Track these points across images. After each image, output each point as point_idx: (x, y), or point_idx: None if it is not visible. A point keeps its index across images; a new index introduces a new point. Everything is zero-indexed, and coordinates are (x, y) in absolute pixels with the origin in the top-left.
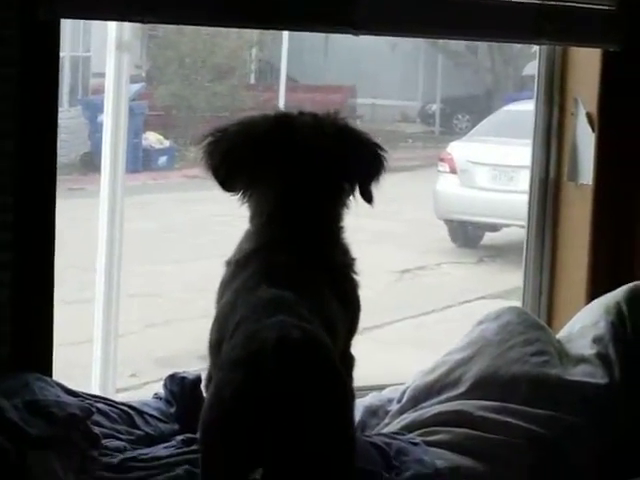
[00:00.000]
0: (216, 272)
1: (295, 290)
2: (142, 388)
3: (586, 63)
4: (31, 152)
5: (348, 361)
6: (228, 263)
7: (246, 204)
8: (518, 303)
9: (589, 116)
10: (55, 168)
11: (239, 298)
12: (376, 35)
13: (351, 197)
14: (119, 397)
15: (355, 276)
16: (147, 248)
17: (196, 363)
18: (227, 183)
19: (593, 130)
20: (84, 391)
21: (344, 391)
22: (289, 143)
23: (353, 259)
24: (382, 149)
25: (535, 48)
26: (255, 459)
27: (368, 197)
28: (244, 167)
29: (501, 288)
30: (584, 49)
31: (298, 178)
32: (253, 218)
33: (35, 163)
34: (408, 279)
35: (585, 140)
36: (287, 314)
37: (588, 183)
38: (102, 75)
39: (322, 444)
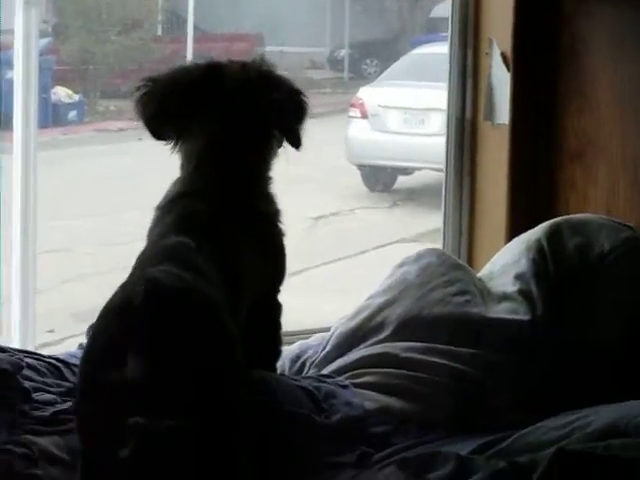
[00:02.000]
0: (128, 224)
1: (204, 238)
2: (61, 344)
3: (499, 3)
4: None
5: (275, 308)
6: (156, 209)
7: (177, 153)
8: (434, 245)
9: (504, 56)
10: None
11: (150, 246)
12: None
13: (279, 144)
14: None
15: (280, 225)
16: (59, 203)
17: None
18: (159, 132)
19: (508, 70)
20: (10, 346)
21: (217, 341)
22: (218, 90)
23: (278, 209)
24: (304, 95)
25: None
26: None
27: (296, 142)
28: (175, 115)
29: (416, 231)
30: None
31: (227, 124)
32: (182, 165)
33: None
34: (323, 225)
35: (500, 80)
36: (172, 262)
37: (505, 122)
38: (7, 32)
39: (196, 389)
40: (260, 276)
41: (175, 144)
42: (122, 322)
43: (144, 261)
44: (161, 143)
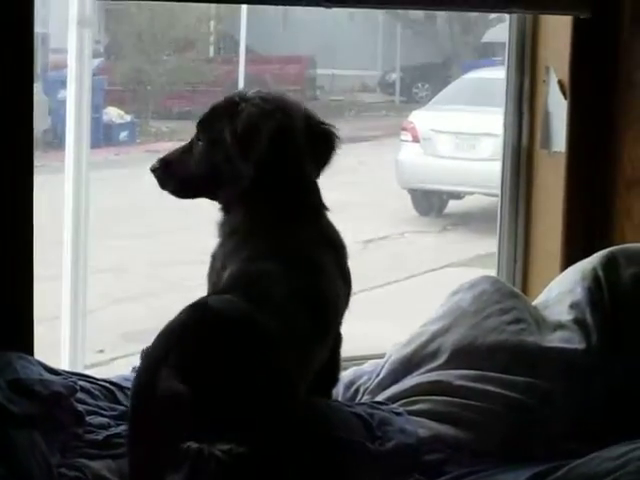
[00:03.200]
0: (179, 246)
1: (293, 265)
2: (110, 364)
3: (557, 31)
4: (7, 127)
5: (338, 338)
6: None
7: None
8: (484, 271)
9: (561, 84)
10: (32, 144)
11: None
12: (346, 7)
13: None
14: (89, 373)
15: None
16: (110, 223)
17: None
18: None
19: (565, 98)
20: (65, 369)
21: (264, 370)
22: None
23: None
24: (336, 134)
25: (494, 15)
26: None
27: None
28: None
29: (466, 256)
30: (554, 17)
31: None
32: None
33: (11, 139)
34: (372, 249)
35: (557, 108)
36: (241, 292)
37: (561, 151)
38: (61, 51)
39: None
40: (342, 303)
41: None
42: (169, 345)
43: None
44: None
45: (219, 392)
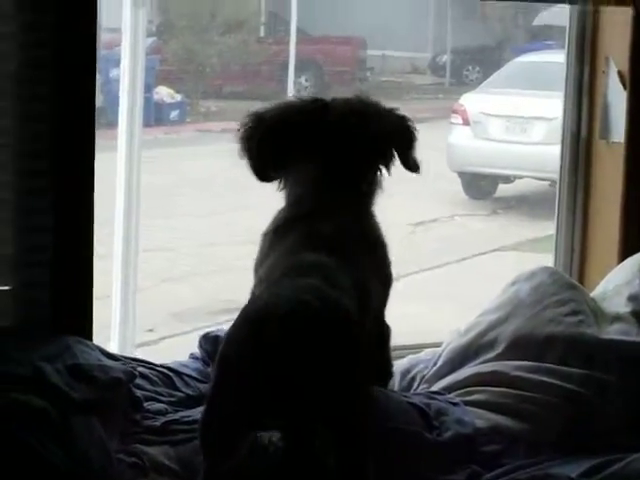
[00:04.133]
0: (229, 226)
1: (337, 258)
2: (159, 343)
3: (617, 21)
4: (70, 99)
5: (385, 330)
6: (265, 234)
7: (282, 190)
8: (533, 255)
9: (620, 74)
10: (93, 124)
11: (279, 263)
12: None
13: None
14: (138, 352)
15: (389, 255)
16: (161, 202)
17: (211, 318)
18: (263, 173)
19: (625, 88)
20: (123, 354)
21: (352, 356)
22: (324, 125)
23: (386, 242)
24: (408, 119)
25: None
26: (259, 416)
27: (412, 166)
28: (280, 152)
29: (515, 240)
30: (616, 8)
31: (334, 157)
32: (289, 195)
33: (73, 118)
34: (422, 232)
35: (616, 98)
36: (320, 276)
37: (620, 141)
38: (112, 30)
39: (327, 405)
40: (378, 297)
41: (280, 182)
42: (259, 333)
43: (288, 272)
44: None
45: (309, 381)
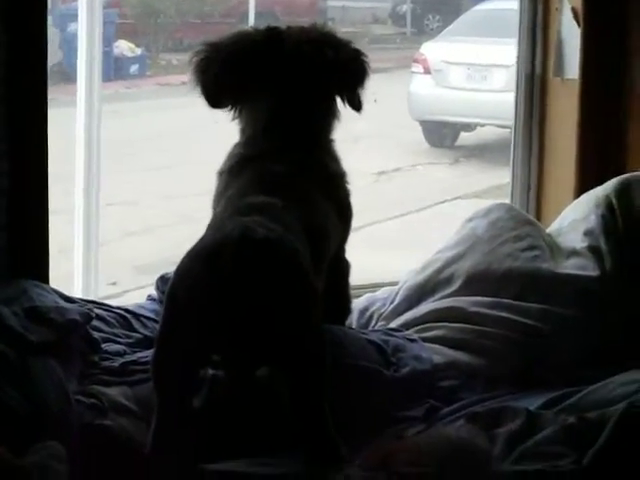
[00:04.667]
0: (190, 178)
1: (286, 198)
2: (122, 296)
3: None
4: (21, 61)
5: (343, 266)
6: (220, 173)
7: (237, 119)
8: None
9: (574, 11)
10: (45, 77)
11: (229, 204)
12: None
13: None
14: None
15: (348, 185)
16: (122, 156)
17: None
18: (216, 100)
19: (579, 25)
20: (80, 297)
21: (304, 290)
22: (279, 54)
23: (344, 171)
24: (365, 55)
25: None
26: (210, 351)
27: (357, 104)
28: (235, 82)
29: (478, 187)
30: None
31: (289, 89)
32: (244, 130)
33: (25, 73)
34: (384, 181)
35: (570, 35)
36: (260, 215)
37: (574, 77)
38: None
39: (280, 340)
40: (336, 235)
41: (234, 110)
42: (212, 266)
43: (232, 214)
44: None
45: (259, 314)
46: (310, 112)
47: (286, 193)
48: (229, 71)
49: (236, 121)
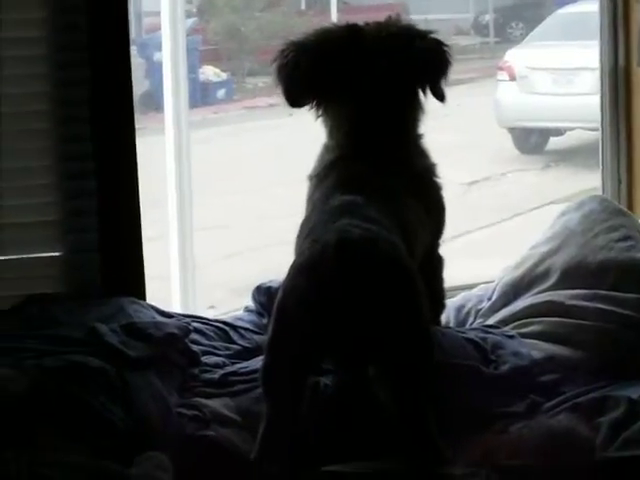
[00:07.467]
0: (282, 199)
1: (369, 196)
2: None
3: None
4: (108, 92)
5: (436, 262)
6: (310, 177)
7: (321, 117)
8: None
9: None
10: (132, 106)
11: (315, 209)
12: None
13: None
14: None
15: (437, 179)
16: (214, 181)
17: None
18: (298, 99)
19: None
20: (177, 312)
21: (410, 286)
22: (360, 50)
23: (433, 163)
24: (445, 44)
25: None
26: (322, 356)
27: (440, 95)
28: (319, 81)
29: (570, 192)
30: None
31: (372, 85)
32: (331, 131)
33: (112, 103)
34: (476, 190)
35: None
36: (351, 217)
37: None
38: (154, 14)
39: (393, 341)
40: (425, 231)
41: (317, 109)
42: (317, 276)
43: (319, 222)
44: (297, 110)
45: (370, 317)
46: (394, 108)
47: (369, 191)
48: (313, 68)
49: (321, 121)
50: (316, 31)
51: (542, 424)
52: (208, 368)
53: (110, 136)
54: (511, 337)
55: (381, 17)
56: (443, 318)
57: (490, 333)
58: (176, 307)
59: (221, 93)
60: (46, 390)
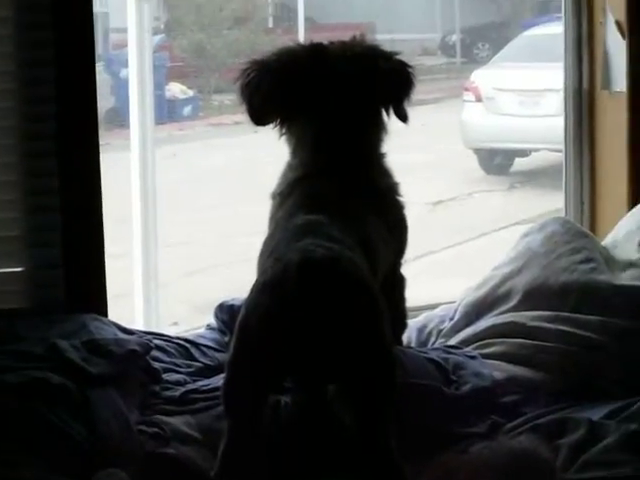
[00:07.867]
0: (246, 217)
1: (332, 215)
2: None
3: None
4: (72, 108)
5: (398, 281)
6: (273, 195)
7: (284, 136)
8: None
9: (618, 24)
10: (97, 123)
11: (278, 227)
12: None
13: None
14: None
15: (400, 198)
16: (178, 197)
17: None
18: (261, 117)
19: (623, 37)
20: (139, 329)
21: (372, 305)
22: (323, 69)
23: (396, 182)
24: (409, 65)
25: None
26: (283, 379)
27: (402, 115)
28: (282, 100)
29: (535, 213)
30: None
31: (335, 104)
32: (295, 149)
33: (76, 119)
34: (441, 210)
35: (616, 48)
36: (315, 236)
37: (622, 90)
38: (121, 30)
39: (355, 360)
40: (388, 250)
41: (280, 127)
42: (279, 295)
43: (282, 240)
44: (262, 128)
45: (333, 335)
46: (357, 127)
47: (332, 210)
48: (276, 88)
49: (284, 140)
50: (280, 50)
51: (503, 445)
52: (169, 385)
53: (74, 152)
54: (473, 357)
55: (348, 36)
56: (405, 338)
57: (452, 353)
58: (139, 323)
59: (187, 110)
60: (7, 406)
